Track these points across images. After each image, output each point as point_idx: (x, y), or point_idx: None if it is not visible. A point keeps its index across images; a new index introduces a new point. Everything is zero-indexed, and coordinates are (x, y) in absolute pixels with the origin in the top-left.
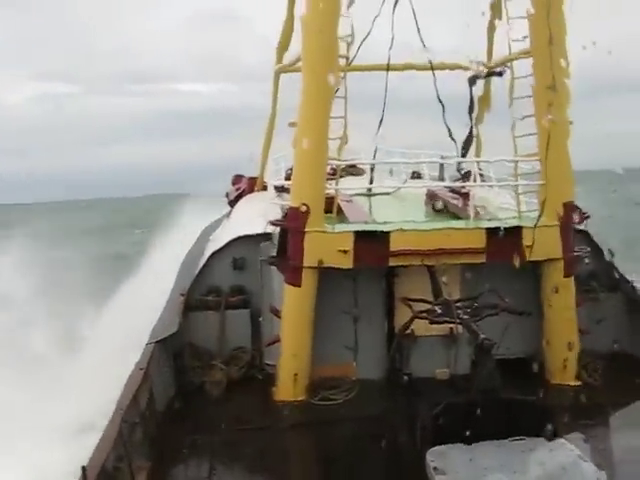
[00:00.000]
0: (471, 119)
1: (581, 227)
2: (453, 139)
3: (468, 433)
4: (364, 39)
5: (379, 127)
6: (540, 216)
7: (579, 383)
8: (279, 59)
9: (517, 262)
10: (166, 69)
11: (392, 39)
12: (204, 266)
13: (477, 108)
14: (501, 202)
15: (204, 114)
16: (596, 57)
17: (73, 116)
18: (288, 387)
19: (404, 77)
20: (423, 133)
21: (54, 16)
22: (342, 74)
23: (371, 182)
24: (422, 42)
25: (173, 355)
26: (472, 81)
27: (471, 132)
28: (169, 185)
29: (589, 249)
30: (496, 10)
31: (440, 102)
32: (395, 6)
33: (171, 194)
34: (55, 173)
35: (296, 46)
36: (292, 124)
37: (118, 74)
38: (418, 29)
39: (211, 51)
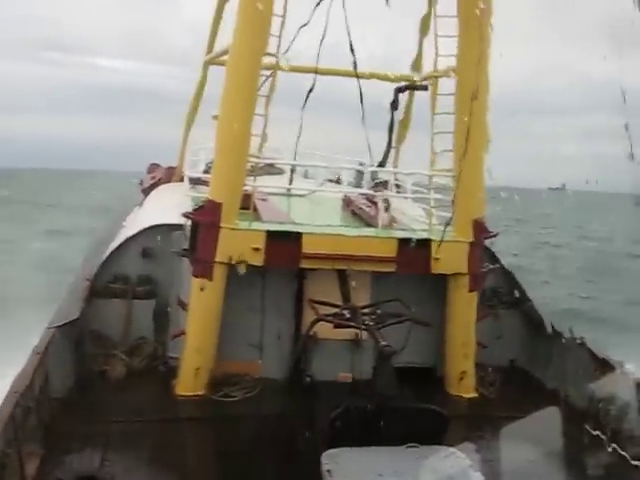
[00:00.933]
0: (391, 129)
1: (487, 244)
2: (369, 144)
3: (365, 437)
4: (293, 39)
5: (300, 128)
6: (445, 227)
7: (475, 395)
8: (209, 49)
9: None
10: (86, 41)
11: (322, 40)
12: (113, 253)
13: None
14: (415, 214)
15: (122, 91)
16: (516, 81)
17: None
18: (189, 381)
19: (331, 79)
20: (343, 138)
21: None
22: (269, 72)
23: (290, 183)
24: (351, 47)
25: (75, 342)
26: (398, 92)
27: (390, 142)
28: (74, 160)
29: (494, 266)
30: (425, 26)
31: (362, 105)
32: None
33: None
34: None
35: (227, 37)
36: (215, 117)
37: (32, 40)
38: (349, 33)
39: (136, 29)
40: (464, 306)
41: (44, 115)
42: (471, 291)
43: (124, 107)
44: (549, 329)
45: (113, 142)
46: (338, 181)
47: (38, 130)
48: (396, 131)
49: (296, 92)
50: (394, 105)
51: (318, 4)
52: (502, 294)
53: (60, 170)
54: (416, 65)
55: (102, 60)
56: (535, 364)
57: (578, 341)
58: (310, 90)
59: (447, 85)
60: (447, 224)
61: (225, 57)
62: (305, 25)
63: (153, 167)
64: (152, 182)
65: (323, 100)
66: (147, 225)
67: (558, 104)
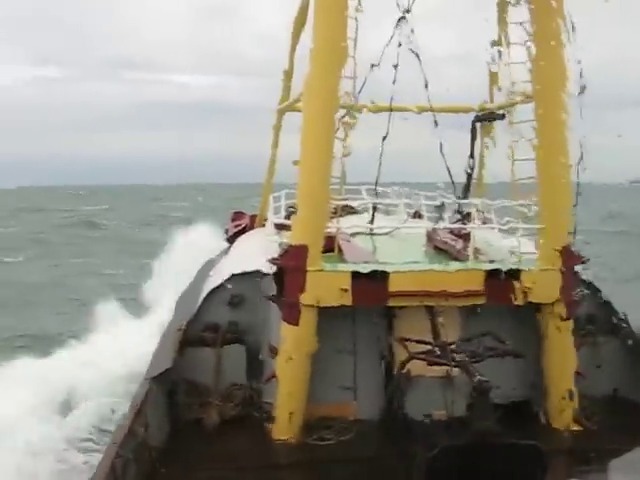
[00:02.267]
0: (472, 160)
1: (578, 270)
2: (451, 178)
3: (464, 476)
4: (365, 81)
5: (379, 168)
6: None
7: (577, 428)
8: (283, 98)
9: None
10: (161, 58)
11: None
12: (202, 302)
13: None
14: (501, 244)
15: (200, 105)
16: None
17: (65, 101)
18: (284, 426)
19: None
20: (422, 142)
21: None
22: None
23: (372, 222)
24: (426, 86)
25: (168, 391)
26: (475, 122)
27: (471, 173)
28: (161, 175)
29: (587, 292)
30: (498, 54)
31: (441, 150)
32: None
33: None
34: (44, 158)
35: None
36: (296, 162)
37: (112, 60)
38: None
39: (209, 44)
40: (559, 335)
41: (128, 133)
42: (566, 319)
43: (204, 121)
44: None
45: (195, 155)
46: (419, 215)
47: (123, 148)
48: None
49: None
50: (473, 135)
51: (386, 45)
52: (598, 321)
53: (147, 185)
54: (490, 93)
55: (179, 76)
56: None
57: None
58: (384, 137)
59: (524, 112)
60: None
61: (299, 103)
62: (376, 65)
63: (237, 215)
64: (236, 230)
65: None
66: (233, 273)
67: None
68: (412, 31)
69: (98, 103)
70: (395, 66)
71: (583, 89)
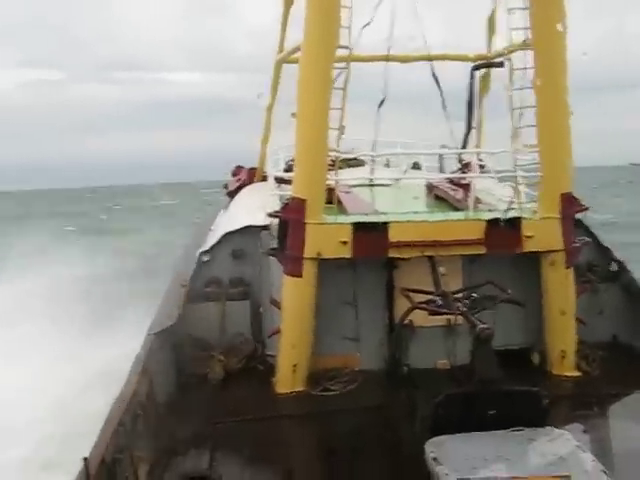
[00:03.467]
0: (470, 110)
1: (580, 218)
2: (450, 127)
3: (467, 424)
4: (364, 27)
5: (378, 118)
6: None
7: (578, 374)
8: (280, 49)
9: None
10: (153, 57)
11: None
12: (204, 257)
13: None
14: (501, 193)
15: (193, 103)
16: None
17: (58, 103)
18: (288, 378)
19: (398, 71)
20: (419, 127)
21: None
22: (342, 64)
23: (371, 173)
24: (422, 33)
25: (173, 346)
26: (474, 71)
27: (470, 123)
28: (161, 174)
29: (588, 240)
30: (495, 1)
31: (439, 87)
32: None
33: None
34: (40, 161)
35: (297, 35)
36: (294, 115)
37: (104, 61)
38: (418, 18)
39: (200, 41)
40: (560, 283)
41: (122, 134)
42: (567, 267)
43: (197, 118)
44: None
45: (191, 154)
46: (419, 167)
47: (119, 148)
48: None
49: (360, 87)
50: (471, 85)
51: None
52: (598, 268)
53: (146, 185)
54: (489, 42)
55: (169, 74)
56: (639, 338)
57: None
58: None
59: (523, 60)
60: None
61: (297, 54)
62: (368, 24)
63: (237, 170)
64: (237, 185)
65: (390, 92)
66: (234, 227)
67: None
68: None
69: (91, 105)
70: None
71: None
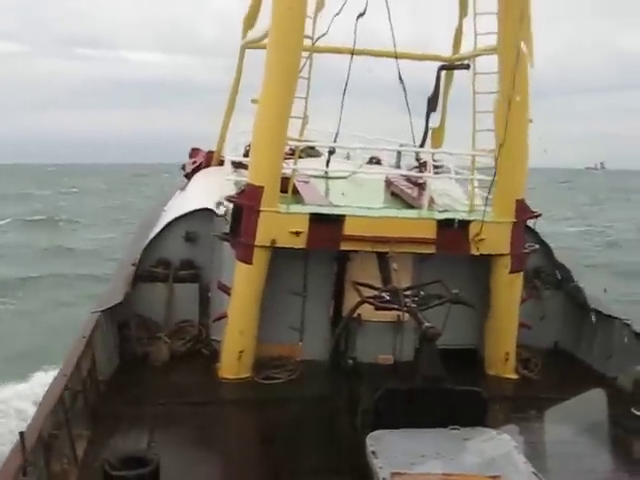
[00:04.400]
0: (430, 110)
1: (530, 225)
2: (411, 123)
3: (408, 419)
4: (332, 18)
5: (341, 110)
6: (485, 208)
7: (518, 377)
8: (245, 34)
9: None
10: (115, 36)
11: (358, 17)
12: (155, 237)
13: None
14: (455, 195)
15: (154, 84)
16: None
17: (20, 76)
18: (232, 364)
19: (361, 64)
20: (380, 121)
21: None
22: (307, 54)
23: (327, 165)
24: (391, 28)
25: (119, 325)
26: (440, 71)
27: (428, 122)
28: (116, 155)
29: (537, 246)
30: (464, 5)
31: (402, 83)
32: None
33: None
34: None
35: (263, 21)
36: (255, 101)
37: (65, 37)
38: (389, 13)
39: (165, 22)
40: (507, 287)
41: (79, 110)
42: (513, 272)
43: (158, 100)
44: (593, 309)
45: (148, 135)
46: (378, 162)
47: (73, 126)
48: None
49: (327, 79)
50: (436, 85)
51: None
52: (545, 275)
53: (99, 164)
54: (456, 44)
55: (132, 54)
56: (579, 345)
57: (624, 322)
58: (346, 82)
59: (487, 64)
60: (486, 204)
61: (263, 41)
62: (337, 14)
63: (194, 152)
64: (193, 167)
65: (355, 86)
66: (189, 209)
67: (592, 82)
68: None
69: (51, 80)
70: (361, 14)
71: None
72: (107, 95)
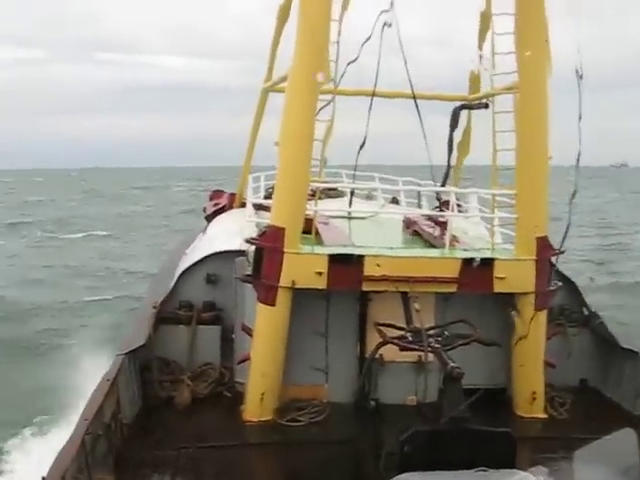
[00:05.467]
0: (450, 149)
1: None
2: (430, 163)
3: (434, 461)
4: (349, 63)
5: (359, 150)
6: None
7: (546, 416)
8: (268, 77)
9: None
10: (137, 39)
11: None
12: (177, 280)
13: (460, 138)
14: (477, 233)
15: (177, 88)
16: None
17: (42, 83)
18: (256, 406)
19: (390, 63)
20: (403, 124)
21: None
22: (328, 97)
23: (350, 206)
24: (407, 74)
25: (141, 368)
26: (458, 110)
27: (450, 160)
28: (142, 158)
29: (560, 284)
30: (482, 44)
31: (422, 128)
32: (382, 31)
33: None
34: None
35: (284, 65)
36: (277, 144)
37: (87, 41)
38: (405, 60)
39: (184, 25)
40: (531, 326)
41: (105, 115)
42: (538, 310)
43: (182, 104)
44: (621, 346)
45: (175, 139)
46: (397, 202)
47: (99, 130)
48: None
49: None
50: (453, 125)
51: (366, 40)
52: (570, 312)
53: (129, 168)
54: (474, 83)
55: (153, 58)
56: (607, 383)
57: None
58: (362, 145)
59: (508, 102)
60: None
61: (283, 84)
62: (353, 61)
63: (215, 194)
64: (214, 209)
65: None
66: (210, 252)
67: (615, 78)
68: (393, 24)
69: (70, 85)
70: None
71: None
72: (131, 99)
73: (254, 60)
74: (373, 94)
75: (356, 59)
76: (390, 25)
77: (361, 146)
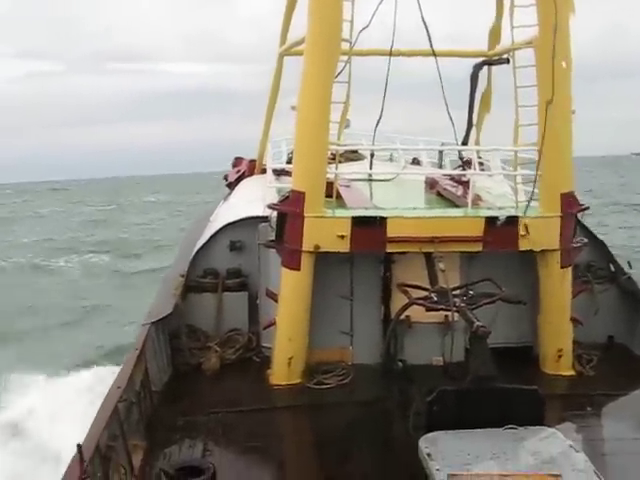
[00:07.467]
0: (472, 107)
1: (579, 218)
2: (452, 122)
3: (461, 420)
4: (368, 23)
5: (381, 113)
6: (528, 205)
7: (573, 373)
8: (282, 41)
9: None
10: (151, 48)
11: (394, 23)
12: (202, 248)
13: (480, 95)
14: (501, 191)
15: (192, 94)
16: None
17: (58, 95)
18: (283, 370)
19: (399, 63)
20: (420, 119)
21: None
22: (345, 58)
23: (370, 168)
24: (426, 28)
25: (170, 336)
26: (479, 68)
27: (471, 120)
28: (167, 165)
29: (587, 240)
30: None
31: (442, 86)
32: None
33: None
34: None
35: (300, 28)
36: (294, 107)
37: (102, 52)
38: (423, 18)
39: (196, 31)
40: (557, 283)
41: (120, 125)
42: (563, 267)
43: (197, 109)
44: None
45: (191, 145)
46: (419, 162)
47: (116, 140)
48: (476, 109)
49: (361, 78)
50: (474, 82)
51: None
52: (596, 268)
53: (144, 176)
54: (494, 38)
55: (167, 65)
56: (635, 339)
57: None
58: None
59: (528, 56)
60: (530, 199)
61: (300, 47)
62: (367, 27)
63: (238, 161)
64: (236, 176)
65: (392, 84)
66: (233, 219)
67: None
68: None
69: (87, 96)
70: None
71: None
72: (146, 108)
73: (269, 64)
74: (390, 53)
75: (368, 25)
76: None
77: (378, 122)
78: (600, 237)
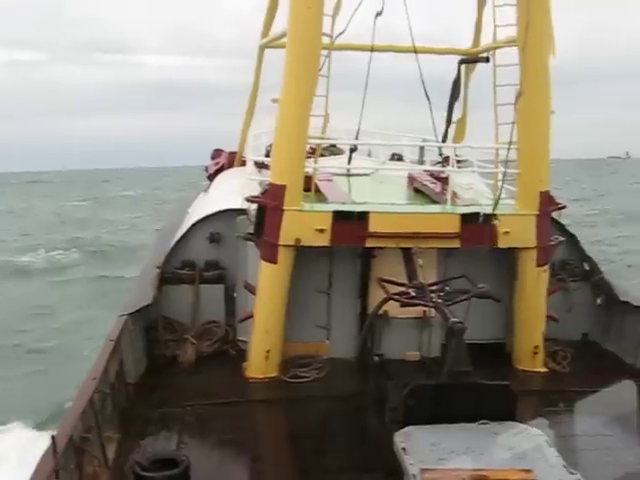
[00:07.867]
0: (452, 104)
1: (556, 217)
2: (433, 120)
3: (436, 415)
4: (351, 17)
5: (362, 108)
6: (497, 202)
7: (547, 370)
8: (264, 33)
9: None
10: (131, 40)
11: (376, 15)
12: (180, 239)
13: (462, 93)
14: (480, 188)
15: (173, 87)
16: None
17: (40, 84)
18: (259, 363)
19: (382, 59)
20: (400, 115)
21: None
22: (326, 52)
23: (349, 162)
24: (409, 25)
25: (146, 327)
26: (460, 65)
27: (450, 117)
28: (144, 158)
29: (563, 239)
30: None
31: (423, 83)
32: None
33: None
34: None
35: (282, 21)
36: (275, 100)
37: (83, 43)
38: (406, 10)
39: (180, 24)
40: (533, 280)
41: (100, 116)
42: (540, 265)
43: (178, 102)
44: (621, 300)
45: (169, 138)
46: (400, 158)
47: (95, 131)
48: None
49: (344, 76)
50: (457, 79)
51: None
52: (572, 266)
53: (124, 169)
54: (475, 37)
55: (149, 57)
56: (608, 337)
57: None
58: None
59: (508, 56)
60: (499, 197)
61: (281, 40)
62: (356, 10)
63: (217, 153)
64: (216, 168)
65: (374, 81)
66: (212, 211)
67: (616, 69)
68: None
69: (69, 87)
70: (378, 13)
71: None
72: (127, 99)
73: (252, 58)
74: (372, 49)
75: (355, 11)
76: None
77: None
78: (574, 235)
